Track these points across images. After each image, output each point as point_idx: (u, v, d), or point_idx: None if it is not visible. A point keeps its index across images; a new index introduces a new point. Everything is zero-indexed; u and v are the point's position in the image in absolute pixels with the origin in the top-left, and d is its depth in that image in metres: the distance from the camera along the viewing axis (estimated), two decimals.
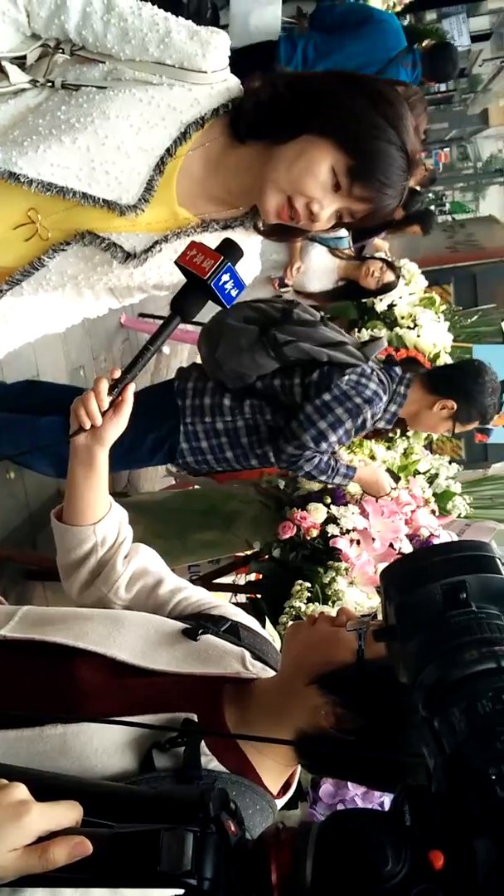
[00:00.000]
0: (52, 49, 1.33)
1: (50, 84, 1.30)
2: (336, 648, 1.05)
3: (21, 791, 0.60)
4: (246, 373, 2.45)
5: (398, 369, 2.64)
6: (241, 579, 3.25)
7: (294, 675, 1.07)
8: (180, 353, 3.91)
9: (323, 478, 2.44)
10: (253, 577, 2.78)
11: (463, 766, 0.56)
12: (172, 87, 1.28)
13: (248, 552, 2.89)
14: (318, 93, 1.26)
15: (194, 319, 1.30)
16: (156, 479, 4.74)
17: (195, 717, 1.02)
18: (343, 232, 3.33)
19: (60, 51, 1.32)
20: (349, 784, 1.68)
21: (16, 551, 3.20)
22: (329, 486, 2.60)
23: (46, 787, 0.62)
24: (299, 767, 1.14)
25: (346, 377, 2.38)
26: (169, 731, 0.97)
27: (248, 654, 1.17)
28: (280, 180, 1.25)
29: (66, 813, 0.60)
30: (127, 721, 0.87)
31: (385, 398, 2.44)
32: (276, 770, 1.07)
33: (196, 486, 3.79)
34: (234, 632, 1.22)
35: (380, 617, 0.96)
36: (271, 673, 1.17)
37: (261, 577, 2.59)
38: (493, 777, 0.53)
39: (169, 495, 3.77)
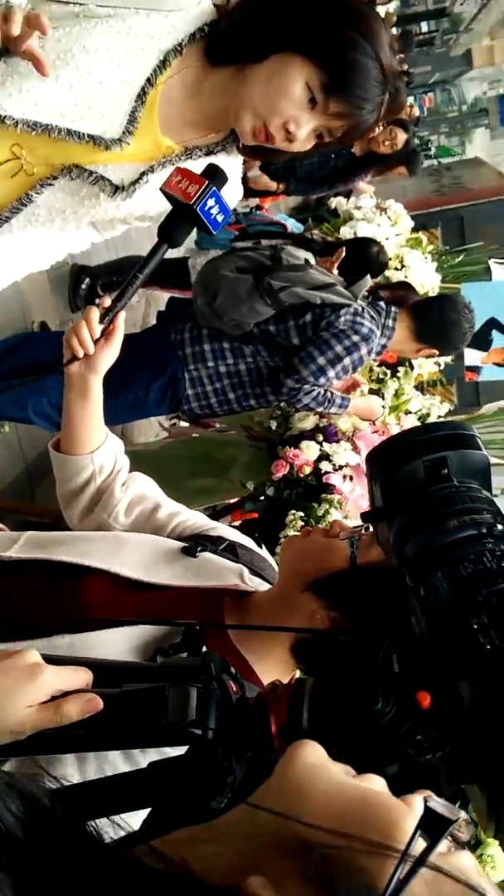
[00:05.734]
0: None
1: None
2: (330, 557, 1.09)
3: (34, 655, 0.64)
4: (245, 321, 2.52)
5: (383, 303, 2.71)
6: (237, 523, 3.31)
7: (290, 584, 1.11)
8: (160, 299, 4.00)
9: (320, 409, 2.54)
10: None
11: (448, 619, 0.59)
12: (149, 16, 1.27)
13: (244, 496, 2.94)
14: (289, 10, 1.25)
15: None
16: (150, 431, 4.77)
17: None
18: None
19: None
20: None
21: (15, 502, 3.24)
22: (325, 415, 2.68)
23: (58, 662, 0.66)
24: (298, 672, 1.18)
25: (343, 318, 2.48)
26: (173, 638, 1.00)
27: (245, 570, 1.21)
28: (255, 101, 1.25)
29: (78, 675, 0.64)
30: (135, 621, 0.91)
31: (379, 334, 2.51)
32: (276, 675, 1.12)
33: (195, 435, 3.83)
34: (231, 550, 1.26)
35: (371, 529, 1.00)
36: (268, 587, 1.21)
37: (256, 516, 2.64)
38: (476, 626, 0.57)
39: (164, 444, 3.81)
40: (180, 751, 0.62)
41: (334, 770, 0.45)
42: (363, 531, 1.10)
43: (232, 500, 3.21)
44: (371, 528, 1.13)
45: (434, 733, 0.54)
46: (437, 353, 2.86)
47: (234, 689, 0.64)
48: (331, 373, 2.46)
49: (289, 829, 0.41)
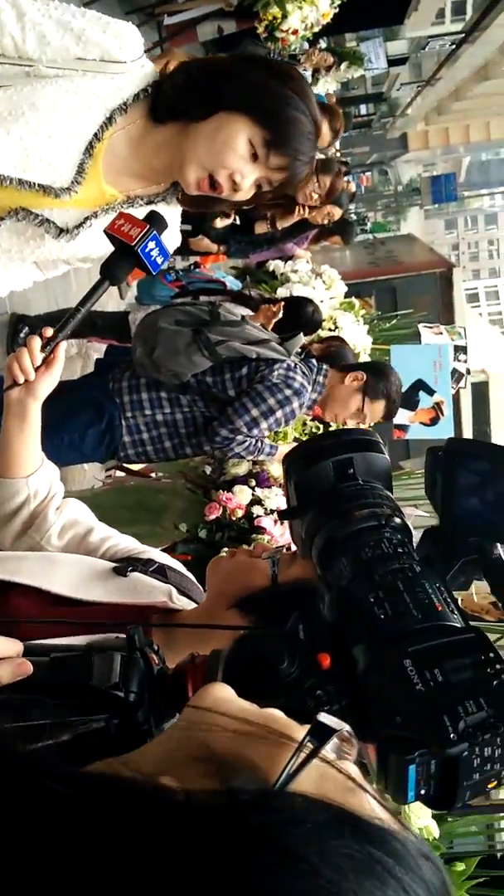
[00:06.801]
0: None
1: None
2: (253, 575, 1.15)
3: None
4: (183, 372, 2.59)
5: (314, 361, 2.83)
6: None
7: (216, 602, 1.17)
8: (99, 349, 4.11)
9: (250, 457, 2.60)
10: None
11: (349, 596, 0.67)
12: (96, 77, 1.38)
13: (177, 540, 2.99)
14: (228, 73, 1.38)
15: None
16: (84, 480, 4.78)
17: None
18: None
19: None
20: None
21: None
22: (254, 461, 2.76)
23: None
24: None
25: (276, 371, 2.56)
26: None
27: (174, 591, 1.27)
28: (201, 156, 1.37)
29: (9, 644, 0.68)
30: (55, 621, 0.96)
31: (309, 387, 2.62)
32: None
33: (131, 483, 3.86)
34: (161, 572, 1.31)
35: (294, 548, 1.07)
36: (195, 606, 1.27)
37: (189, 558, 2.68)
38: (372, 600, 0.65)
39: (98, 492, 3.83)
40: None
41: (241, 700, 0.51)
42: (283, 550, 1.18)
43: (164, 546, 3.25)
44: (290, 549, 1.21)
45: (332, 689, 0.61)
46: (365, 392, 2.89)
47: (156, 661, 0.70)
48: (263, 424, 2.54)
49: (196, 742, 0.47)
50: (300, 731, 0.47)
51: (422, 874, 0.39)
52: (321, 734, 0.46)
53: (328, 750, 0.46)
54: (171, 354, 2.60)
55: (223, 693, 0.52)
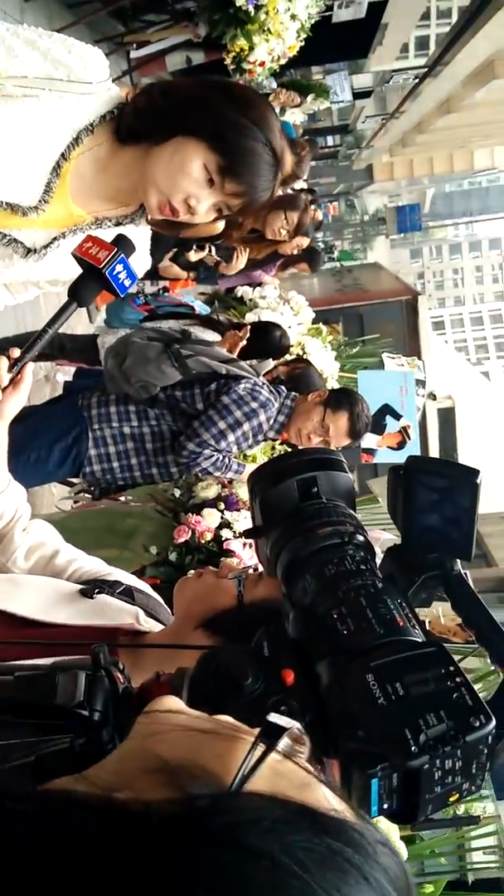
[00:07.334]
0: None
1: None
2: (220, 596, 1.16)
3: None
4: (152, 382, 2.62)
5: (283, 388, 2.85)
6: None
7: (183, 623, 1.17)
8: (68, 372, 4.11)
9: (218, 473, 2.62)
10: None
11: (313, 612, 0.68)
12: (63, 97, 1.39)
13: (146, 563, 2.97)
14: (188, 97, 1.40)
15: None
16: (52, 505, 4.74)
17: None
18: None
19: None
20: None
21: None
22: (227, 485, 2.76)
23: None
24: None
25: (242, 385, 2.58)
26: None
27: (141, 613, 1.26)
28: (158, 179, 1.38)
29: None
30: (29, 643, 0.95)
31: (276, 405, 2.64)
32: None
33: (100, 506, 3.84)
34: (128, 593, 1.31)
35: (260, 568, 1.08)
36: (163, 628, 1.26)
37: (158, 581, 2.66)
38: (335, 616, 0.66)
39: (66, 515, 3.80)
40: None
41: (190, 710, 0.52)
42: (250, 570, 1.18)
43: (133, 570, 3.23)
44: (257, 569, 1.21)
45: (296, 704, 0.61)
46: (327, 405, 2.86)
47: (121, 679, 0.70)
48: (231, 437, 2.56)
49: (150, 753, 0.47)
50: (250, 732, 0.48)
51: (381, 861, 0.40)
52: (272, 734, 0.47)
53: (280, 748, 0.47)
54: (142, 363, 2.63)
55: (172, 703, 0.53)
